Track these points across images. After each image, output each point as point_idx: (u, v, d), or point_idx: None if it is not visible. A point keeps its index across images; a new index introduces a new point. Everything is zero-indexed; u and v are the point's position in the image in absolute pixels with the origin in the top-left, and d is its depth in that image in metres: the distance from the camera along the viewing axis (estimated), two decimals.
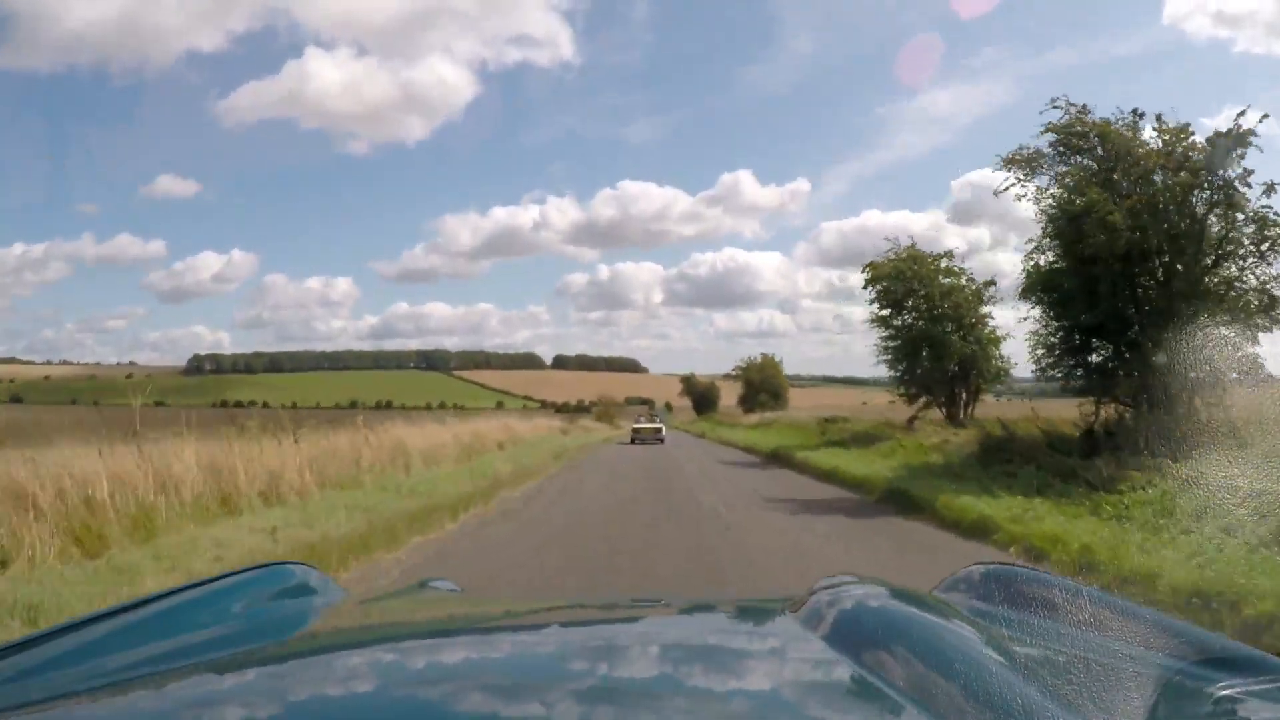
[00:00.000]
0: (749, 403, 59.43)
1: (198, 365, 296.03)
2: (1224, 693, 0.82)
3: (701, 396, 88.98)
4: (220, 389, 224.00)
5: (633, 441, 33.02)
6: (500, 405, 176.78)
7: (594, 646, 1.04)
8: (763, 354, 65.10)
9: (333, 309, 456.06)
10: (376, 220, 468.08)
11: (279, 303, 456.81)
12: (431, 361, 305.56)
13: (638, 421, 37.26)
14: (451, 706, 0.77)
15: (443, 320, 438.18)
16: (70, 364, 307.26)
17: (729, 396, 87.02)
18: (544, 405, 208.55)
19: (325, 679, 0.89)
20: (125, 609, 1.04)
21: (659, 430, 34.31)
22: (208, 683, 0.88)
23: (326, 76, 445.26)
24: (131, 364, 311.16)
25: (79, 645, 0.94)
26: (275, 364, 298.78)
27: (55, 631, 0.97)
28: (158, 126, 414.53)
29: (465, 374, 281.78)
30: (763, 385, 60.81)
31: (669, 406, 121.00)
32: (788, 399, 62.09)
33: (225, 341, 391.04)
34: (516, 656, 1.01)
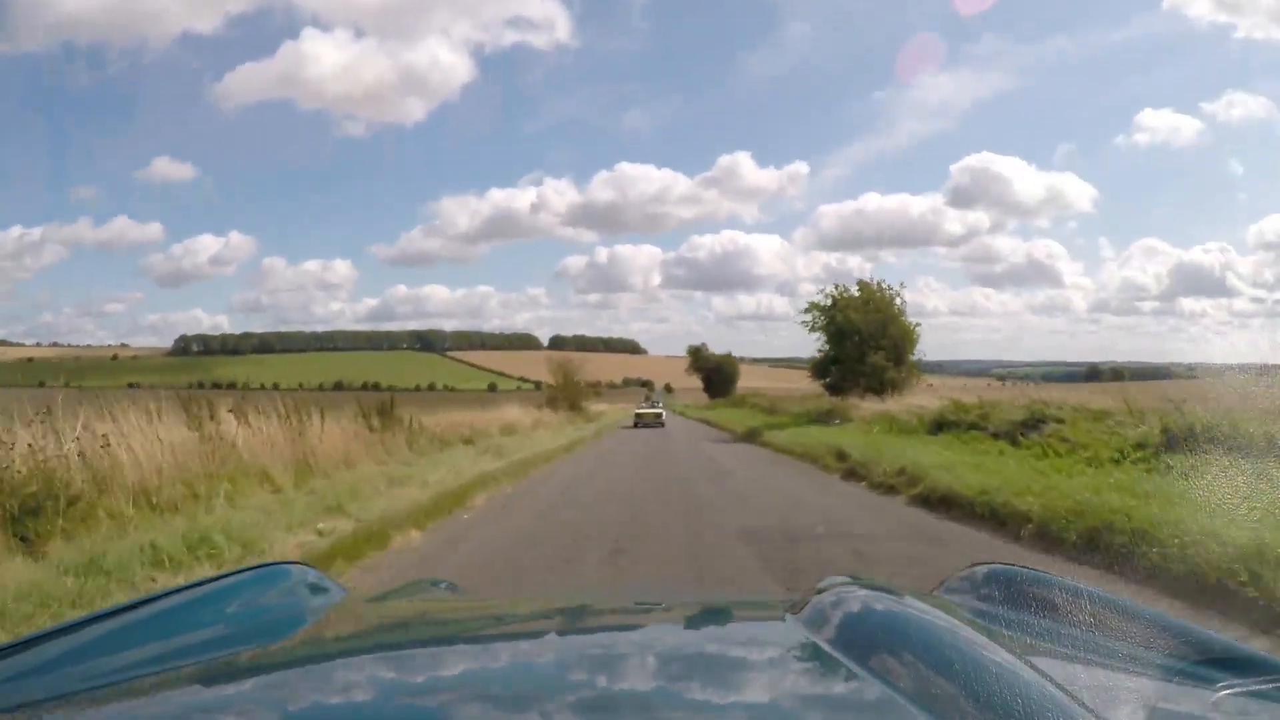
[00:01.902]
0: (842, 375, 27.67)
1: (184, 346, 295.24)
2: (1224, 693, 0.83)
3: (715, 373, 74.91)
4: (207, 370, 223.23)
5: (636, 426, 36.43)
6: (493, 387, 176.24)
7: (594, 649, 1.06)
8: (861, 281, 29.71)
9: (331, 292, 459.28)
10: (375, 203, 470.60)
11: (277, 286, 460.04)
12: (426, 342, 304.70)
13: (640, 406, 42.14)
14: (450, 708, 0.78)
15: (442, 303, 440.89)
16: (60, 346, 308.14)
17: (757, 376, 71.30)
18: (539, 386, 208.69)
19: (324, 680, 0.91)
20: (125, 609, 1.05)
21: (659, 415, 39.03)
22: (207, 683, 0.89)
23: (324, 58, 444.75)
24: (123, 346, 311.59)
25: (79, 645, 0.95)
26: (265, 345, 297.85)
27: (55, 631, 0.98)
28: (154, 109, 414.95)
29: (460, 355, 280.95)
30: (872, 336, 27.44)
31: (669, 388, 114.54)
32: (916, 375, 29.20)
33: (224, 324, 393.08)
34: (516, 659, 1.02)
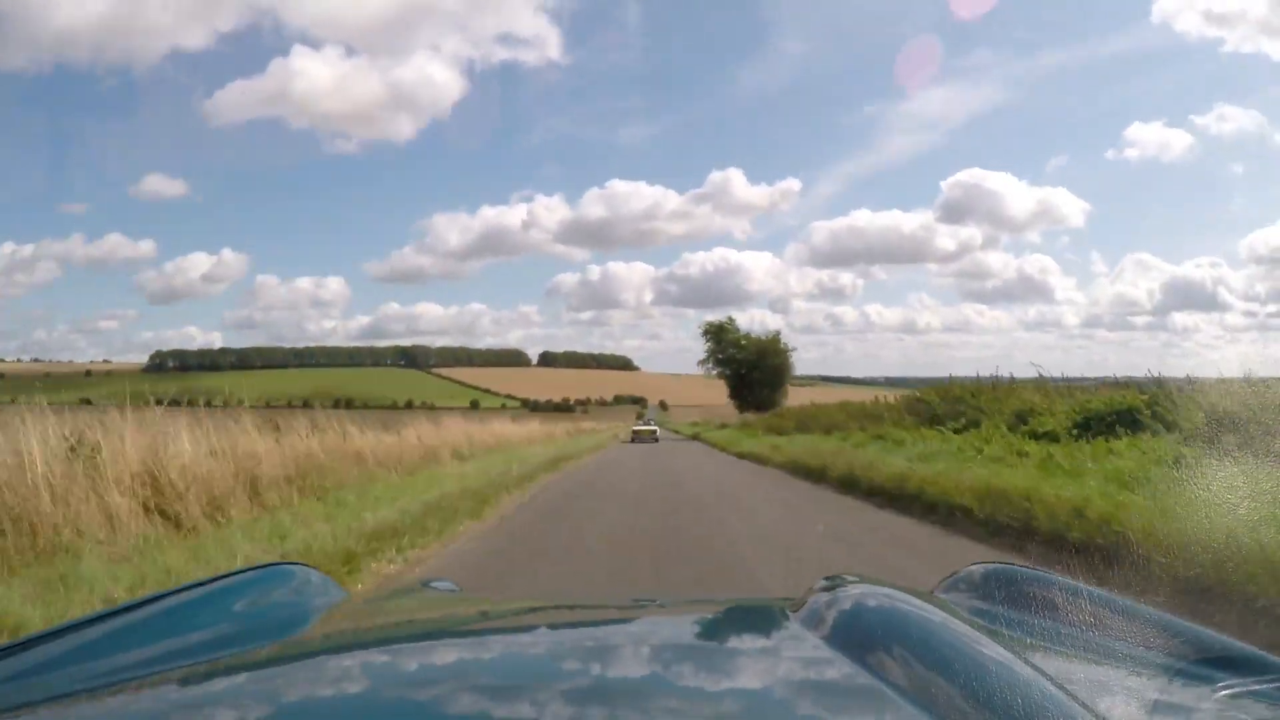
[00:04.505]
0: None
1: (160, 362, 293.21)
2: (1224, 693, 0.85)
3: (751, 367, 45.91)
4: (183, 386, 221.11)
5: (632, 441, 36.80)
6: (475, 404, 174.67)
7: (591, 648, 1.07)
8: None
9: (324, 309, 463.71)
10: (366, 220, 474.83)
11: (270, 303, 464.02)
12: (410, 359, 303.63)
13: (636, 425, 43.08)
14: (449, 708, 0.79)
15: (434, 320, 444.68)
16: (40, 362, 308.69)
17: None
18: (525, 404, 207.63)
19: (324, 680, 0.92)
20: (125, 609, 1.07)
21: (654, 431, 39.13)
22: (207, 683, 0.91)
23: (314, 75, 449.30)
24: (105, 362, 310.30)
25: (79, 645, 0.97)
26: (244, 360, 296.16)
27: (55, 631, 0.99)
28: (145, 126, 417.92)
29: (446, 371, 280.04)
30: None
31: (663, 405, 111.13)
32: None
33: (218, 342, 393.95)
34: (514, 658, 1.03)
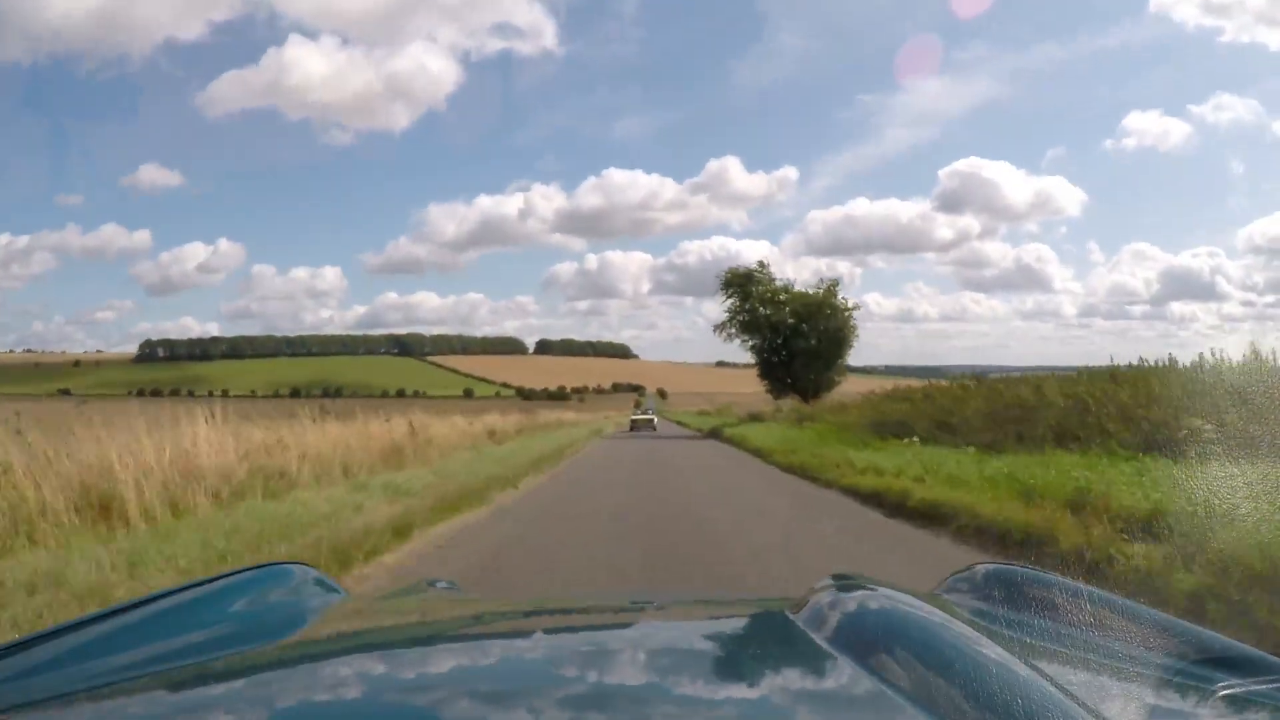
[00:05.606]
0: None
1: (149, 352, 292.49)
2: (1224, 693, 0.86)
3: (794, 333, 32.75)
4: (170, 375, 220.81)
5: (632, 429, 36.87)
6: (469, 393, 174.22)
7: (591, 648, 1.08)
8: None
9: (321, 300, 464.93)
10: (362, 211, 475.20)
11: (266, 293, 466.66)
12: (405, 347, 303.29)
13: (634, 414, 44.05)
14: (448, 708, 0.80)
15: (432, 310, 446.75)
16: (33, 352, 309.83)
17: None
18: (519, 392, 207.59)
19: (325, 680, 0.93)
20: (125, 609, 1.08)
21: (652, 421, 39.96)
22: (207, 683, 0.92)
23: (309, 66, 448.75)
24: (99, 352, 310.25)
25: (79, 645, 0.97)
26: (235, 350, 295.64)
27: (55, 631, 1.00)
28: (140, 117, 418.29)
29: (440, 359, 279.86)
30: None
31: (662, 393, 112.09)
32: None
33: (214, 332, 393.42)
34: (513, 660, 1.04)
